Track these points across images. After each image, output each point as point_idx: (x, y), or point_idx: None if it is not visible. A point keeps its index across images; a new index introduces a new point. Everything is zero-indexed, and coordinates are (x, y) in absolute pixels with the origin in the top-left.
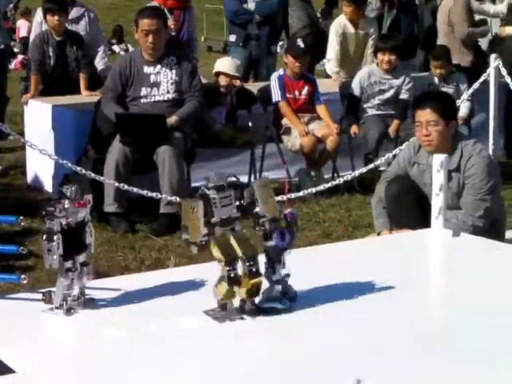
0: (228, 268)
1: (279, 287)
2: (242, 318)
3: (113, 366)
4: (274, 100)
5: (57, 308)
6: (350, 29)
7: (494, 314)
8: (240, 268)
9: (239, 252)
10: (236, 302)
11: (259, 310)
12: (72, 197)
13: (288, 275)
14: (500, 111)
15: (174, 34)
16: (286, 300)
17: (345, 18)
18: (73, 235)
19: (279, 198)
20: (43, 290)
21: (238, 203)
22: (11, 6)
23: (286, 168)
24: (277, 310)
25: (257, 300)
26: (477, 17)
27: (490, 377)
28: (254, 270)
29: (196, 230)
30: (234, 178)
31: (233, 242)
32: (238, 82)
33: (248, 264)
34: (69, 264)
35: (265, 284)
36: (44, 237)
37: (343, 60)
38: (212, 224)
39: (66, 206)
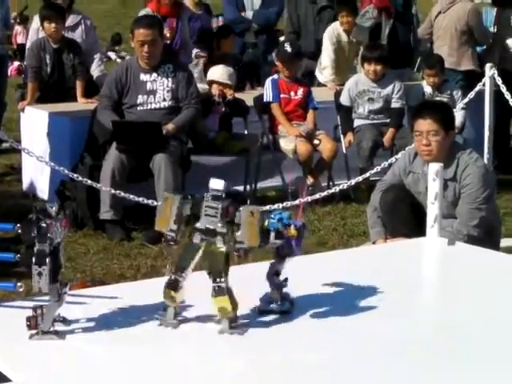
0: (173, 272)
1: (278, 291)
2: (174, 327)
3: (106, 373)
4: (265, 99)
5: (45, 333)
6: (344, 37)
7: (489, 321)
8: (186, 278)
9: (192, 264)
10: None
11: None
12: (58, 216)
13: (286, 280)
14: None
15: (168, 42)
16: (286, 302)
17: (339, 27)
18: (56, 257)
19: (289, 203)
20: (29, 315)
21: (228, 219)
22: (14, 14)
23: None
24: (276, 312)
25: (257, 303)
26: None
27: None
28: (217, 287)
29: (165, 222)
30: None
31: (200, 253)
32: (230, 91)
33: (213, 280)
34: (56, 287)
35: (266, 287)
36: (34, 260)
37: (337, 68)
38: (196, 228)
39: (57, 226)
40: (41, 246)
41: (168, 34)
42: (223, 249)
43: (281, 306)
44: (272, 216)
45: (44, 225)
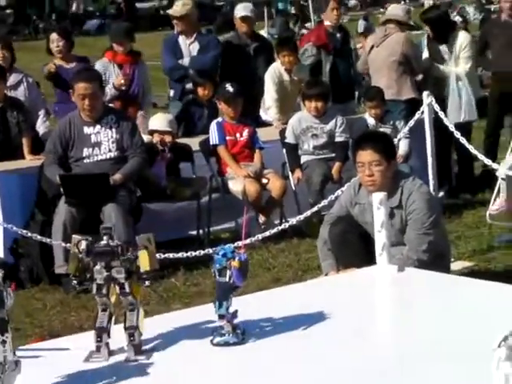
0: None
1: (228, 323)
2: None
3: None
4: (211, 143)
5: None
6: (285, 76)
7: (439, 342)
8: None
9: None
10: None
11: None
12: (5, 281)
13: (236, 311)
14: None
15: (124, 88)
16: (238, 334)
17: (280, 66)
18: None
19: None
20: None
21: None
22: None
23: (245, 212)
24: (229, 343)
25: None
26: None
27: None
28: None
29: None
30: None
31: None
32: (169, 138)
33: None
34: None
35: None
36: None
37: (281, 107)
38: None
39: (8, 291)
40: (0, 313)
41: (123, 81)
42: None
43: (234, 338)
44: (217, 252)
45: None
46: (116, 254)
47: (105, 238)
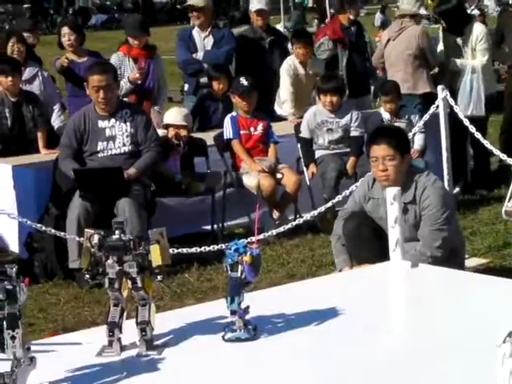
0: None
1: (239, 319)
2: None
3: None
4: (225, 137)
5: None
6: (301, 69)
7: (452, 339)
8: None
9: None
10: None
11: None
12: (19, 276)
13: (248, 307)
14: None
15: (139, 82)
16: (250, 330)
17: (295, 59)
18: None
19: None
20: None
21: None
22: None
23: (258, 207)
24: (241, 339)
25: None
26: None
27: None
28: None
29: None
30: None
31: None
32: (184, 132)
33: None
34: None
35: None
36: (6, 324)
37: (296, 101)
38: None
39: (22, 286)
40: (11, 308)
41: (138, 75)
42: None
43: (245, 334)
44: (229, 247)
45: (10, 287)
46: (128, 249)
47: (117, 232)
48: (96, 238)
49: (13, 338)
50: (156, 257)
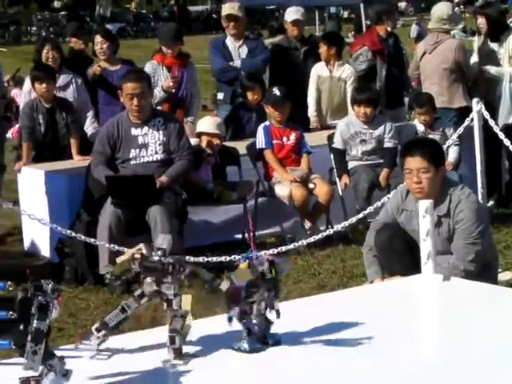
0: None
1: (246, 329)
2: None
3: None
4: (258, 147)
5: None
6: (325, 72)
7: (488, 358)
8: None
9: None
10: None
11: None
12: (54, 293)
13: (271, 322)
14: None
15: (172, 91)
16: (252, 340)
17: (323, 64)
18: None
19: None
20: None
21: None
22: (8, 76)
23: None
24: (242, 350)
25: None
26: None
27: None
28: None
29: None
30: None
31: None
32: (217, 141)
33: None
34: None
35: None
36: (30, 337)
37: (319, 103)
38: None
39: (54, 303)
40: (39, 323)
41: (171, 84)
42: None
43: (245, 344)
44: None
45: (44, 302)
46: (167, 272)
47: (159, 253)
48: (139, 256)
49: (34, 352)
50: (187, 304)
